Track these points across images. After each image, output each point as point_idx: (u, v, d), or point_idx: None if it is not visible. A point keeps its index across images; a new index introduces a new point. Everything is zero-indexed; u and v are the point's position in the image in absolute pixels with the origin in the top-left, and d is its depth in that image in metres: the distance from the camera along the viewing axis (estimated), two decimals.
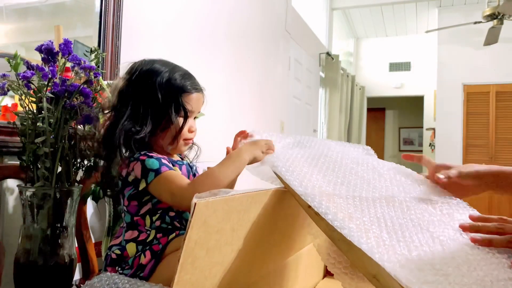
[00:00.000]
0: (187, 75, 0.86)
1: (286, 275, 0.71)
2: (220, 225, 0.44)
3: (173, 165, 0.83)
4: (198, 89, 0.86)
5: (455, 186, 0.71)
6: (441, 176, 0.71)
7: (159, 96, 0.81)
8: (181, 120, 0.84)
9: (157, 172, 0.77)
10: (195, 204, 0.39)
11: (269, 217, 0.55)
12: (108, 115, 0.85)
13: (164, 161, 0.80)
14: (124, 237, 0.81)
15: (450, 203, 0.65)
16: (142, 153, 0.80)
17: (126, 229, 0.82)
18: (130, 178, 0.80)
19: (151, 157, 0.79)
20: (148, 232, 0.80)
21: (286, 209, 0.61)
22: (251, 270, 0.55)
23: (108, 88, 0.92)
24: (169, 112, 0.82)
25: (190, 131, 0.87)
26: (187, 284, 0.41)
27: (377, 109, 7.41)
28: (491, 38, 4.06)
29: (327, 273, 0.98)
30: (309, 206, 0.51)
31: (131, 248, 0.80)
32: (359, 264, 0.44)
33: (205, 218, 0.41)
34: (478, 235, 0.55)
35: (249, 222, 0.50)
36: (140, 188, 0.79)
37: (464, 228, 0.57)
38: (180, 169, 0.85)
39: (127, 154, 0.83)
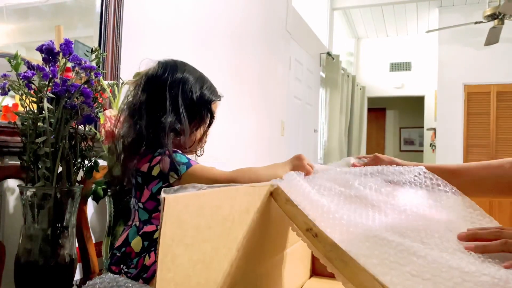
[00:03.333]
0: (212, 85, 0.96)
1: (272, 275, 0.70)
2: (194, 221, 0.44)
3: None
4: (220, 98, 0.97)
5: None
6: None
7: (195, 102, 0.89)
8: (206, 124, 0.93)
9: (188, 164, 0.82)
10: (164, 198, 0.39)
11: (245, 215, 0.55)
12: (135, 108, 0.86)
13: (189, 156, 0.86)
14: (138, 233, 0.82)
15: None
16: (165, 149, 0.83)
17: (139, 224, 0.83)
18: (154, 172, 0.82)
19: (177, 152, 0.84)
20: (158, 226, 0.81)
21: (263, 207, 0.61)
22: (236, 270, 0.55)
23: (108, 88, 0.92)
24: (203, 117, 0.91)
25: (207, 134, 0.97)
26: (171, 282, 0.41)
27: (378, 109, 7.41)
28: (492, 38, 4.06)
29: (314, 273, 0.98)
30: (308, 229, 0.51)
31: (136, 242, 0.80)
32: (355, 281, 0.44)
33: (178, 213, 0.41)
34: (472, 243, 0.54)
35: (224, 219, 0.50)
36: (171, 181, 0.81)
37: (461, 238, 0.57)
38: None
39: (142, 150, 0.85)
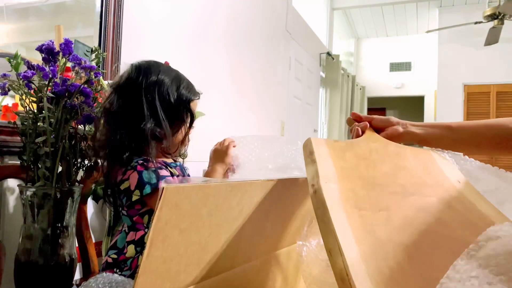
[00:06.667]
0: (189, 84, 0.91)
1: (275, 266, 0.71)
2: (194, 209, 0.44)
3: (169, 167, 0.86)
4: (199, 96, 0.92)
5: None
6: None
7: (173, 105, 0.85)
8: (187, 125, 0.89)
9: (155, 186, 0.78)
10: (163, 188, 0.39)
11: (254, 207, 0.55)
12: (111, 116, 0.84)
13: (161, 172, 0.81)
14: (126, 239, 0.82)
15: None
16: (140, 162, 0.80)
17: (128, 231, 0.83)
18: (122, 186, 0.80)
19: (149, 168, 0.80)
20: (146, 230, 0.81)
21: (278, 200, 0.61)
22: (237, 255, 0.56)
23: (108, 88, 0.92)
24: (183, 118, 0.87)
25: (189, 133, 0.92)
26: (158, 259, 0.42)
27: (378, 109, 7.41)
28: (492, 38, 4.06)
29: None
30: (312, 185, 0.51)
31: (130, 250, 0.80)
32: (325, 240, 0.45)
33: (176, 201, 0.41)
34: None
35: (230, 209, 0.50)
36: (133, 199, 0.79)
37: None
38: (175, 169, 0.88)
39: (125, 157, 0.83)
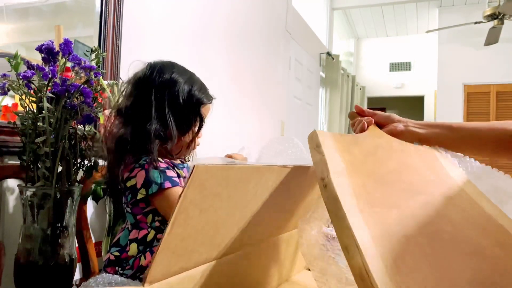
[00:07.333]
0: (203, 87, 0.91)
1: (277, 249, 0.73)
2: (216, 190, 0.46)
3: (176, 168, 0.86)
4: (211, 100, 0.92)
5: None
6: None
7: (182, 106, 0.85)
8: (195, 128, 0.89)
9: (161, 186, 0.78)
10: (194, 167, 0.41)
11: (267, 191, 0.57)
12: (121, 114, 0.85)
13: (168, 173, 0.81)
14: (129, 237, 0.82)
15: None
16: (148, 160, 0.80)
17: (131, 228, 0.83)
18: (129, 183, 0.80)
19: (156, 167, 0.80)
20: (149, 229, 0.81)
21: (289, 186, 0.62)
22: (243, 238, 0.58)
23: (108, 88, 0.92)
24: (191, 121, 0.87)
25: (198, 137, 0.92)
26: (178, 237, 0.44)
27: (378, 109, 7.39)
28: (492, 38, 4.07)
29: None
30: (322, 178, 0.50)
31: (133, 248, 0.80)
32: (338, 235, 0.45)
33: (202, 181, 0.43)
34: None
35: (247, 191, 0.52)
36: (138, 197, 0.79)
37: None
38: (182, 171, 0.88)
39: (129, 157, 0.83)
